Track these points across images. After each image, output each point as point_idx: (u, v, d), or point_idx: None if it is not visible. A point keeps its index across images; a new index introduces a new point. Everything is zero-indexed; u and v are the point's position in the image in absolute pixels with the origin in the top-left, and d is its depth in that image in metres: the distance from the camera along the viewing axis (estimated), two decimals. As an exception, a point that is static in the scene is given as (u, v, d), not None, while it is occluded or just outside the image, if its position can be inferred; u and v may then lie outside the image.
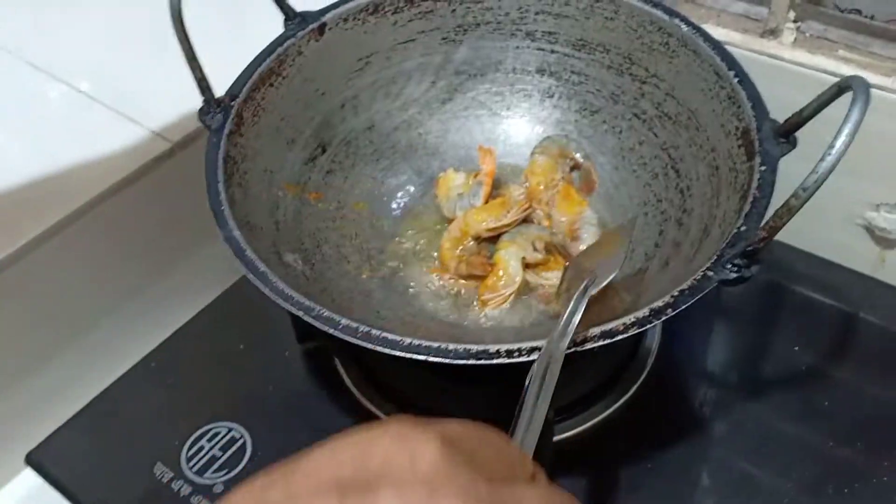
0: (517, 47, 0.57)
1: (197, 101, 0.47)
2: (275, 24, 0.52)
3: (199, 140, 0.57)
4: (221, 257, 0.42)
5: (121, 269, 0.59)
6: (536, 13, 0.56)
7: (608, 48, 0.54)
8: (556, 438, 0.49)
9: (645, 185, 0.53)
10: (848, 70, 0.55)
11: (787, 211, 0.36)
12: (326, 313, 0.38)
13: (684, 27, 0.50)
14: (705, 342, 0.55)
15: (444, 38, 0.57)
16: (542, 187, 0.54)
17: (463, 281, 0.51)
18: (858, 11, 0.58)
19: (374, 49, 0.56)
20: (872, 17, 0.57)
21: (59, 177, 0.56)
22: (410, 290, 0.51)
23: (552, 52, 0.56)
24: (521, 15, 0.56)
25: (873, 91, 0.51)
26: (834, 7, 0.59)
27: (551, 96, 0.57)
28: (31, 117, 0.62)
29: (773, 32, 0.58)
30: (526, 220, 0.53)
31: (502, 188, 0.55)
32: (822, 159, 0.34)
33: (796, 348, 0.54)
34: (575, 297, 0.39)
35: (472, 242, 0.52)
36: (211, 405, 0.50)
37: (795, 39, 0.58)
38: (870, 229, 0.59)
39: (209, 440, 0.48)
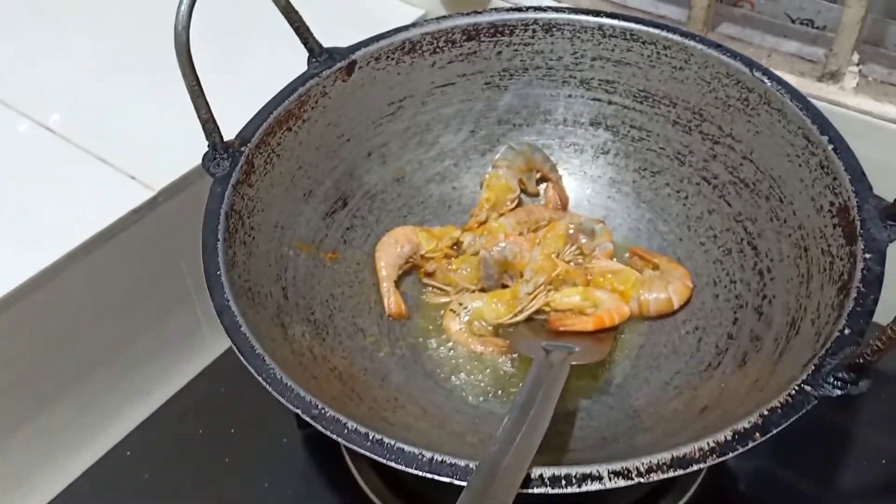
0: (570, 96, 0.51)
1: (185, 141, 0.42)
2: (296, 60, 0.46)
3: (188, 189, 0.52)
4: (212, 318, 0.36)
5: (96, 332, 0.51)
6: (593, 59, 0.49)
7: (675, 101, 0.47)
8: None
9: (715, 261, 0.45)
10: None
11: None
12: (330, 413, 0.31)
13: (768, 82, 0.43)
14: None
15: (487, 83, 0.51)
16: (488, 205, 0.49)
17: (487, 350, 0.45)
18: None
19: (409, 92, 0.50)
20: None
21: (27, 229, 0.49)
22: (435, 370, 0.44)
23: (610, 102, 0.50)
24: (575, 60, 0.49)
25: None
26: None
27: (606, 152, 0.51)
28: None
29: (833, 76, 0.52)
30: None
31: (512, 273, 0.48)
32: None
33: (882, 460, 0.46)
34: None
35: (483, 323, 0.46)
36: (193, 496, 0.43)
37: (858, 84, 0.52)
38: None
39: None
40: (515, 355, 0.44)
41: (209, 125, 0.41)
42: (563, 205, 0.51)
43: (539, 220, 0.50)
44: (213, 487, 0.44)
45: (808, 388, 0.31)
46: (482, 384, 0.43)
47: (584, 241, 0.48)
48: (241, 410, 0.47)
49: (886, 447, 0.48)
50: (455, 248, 0.49)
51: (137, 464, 0.46)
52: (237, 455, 0.45)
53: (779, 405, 0.31)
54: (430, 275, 0.48)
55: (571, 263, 0.47)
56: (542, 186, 0.52)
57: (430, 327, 0.46)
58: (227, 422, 0.47)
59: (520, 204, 0.51)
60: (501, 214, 0.50)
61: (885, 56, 0.54)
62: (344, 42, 0.48)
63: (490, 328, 0.46)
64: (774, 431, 0.30)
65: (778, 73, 0.52)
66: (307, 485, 0.43)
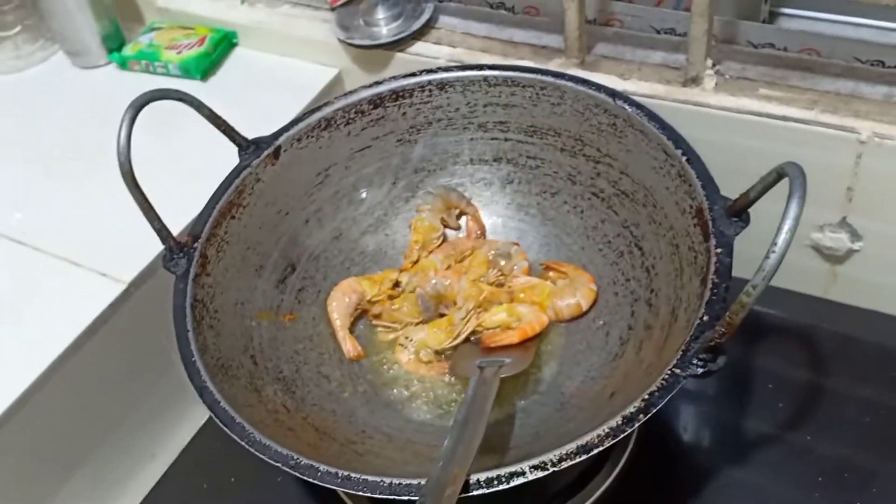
0: (472, 139, 0.58)
1: (142, 232, 0.47)
2: (226, 153, 0.53)
3: (152, 279, 0.57)
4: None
5: (97, 412, 0.57)
6: (485, 105, 0.56)
7: (559, 132, 0.55)
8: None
9: (612, 263, 0.53)
10: (771, 108, 0.56)
11: (741, 307, 0.36)
12: (304, 462, 0.39)
13: (628, 108, 0.51)
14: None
15: (399, 140, 0.58)
16: (418, 246, 0.56)
17: (435, 374, 0.52)
18: (772, 45, 0.59)
19: (332, 161, 0.57)
20: (786, 49, 0.58)
21: (11, 339, 0.54)
22: (393, 400, 0.51)
23: (506, 139, 0.57)
24: (470, 109, 0.57)
25: (799, 126, 0.54)
26: (748, 44, 0.60)
27: (511, 182, 0.58)
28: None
29: (694, 80, 0.59)
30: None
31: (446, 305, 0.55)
32: (766, 257, 0.35)
33: (770, 386, 0.56)
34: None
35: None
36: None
37: (717, 84, 0.59)
38: (818, 249, 0.60)
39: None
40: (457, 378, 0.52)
41: (163, 233, 0.47)
42: (482, 233, 0.58)
43: (463, 251, 0.57)
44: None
45: (678, 371, 0.39)
46: (435, 405, 0.51)
47: (503, 263, 0.56)
48: (237, 459, 0.54)
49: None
50: (396, 287, 0.56)
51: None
52: (240, 500, 0.52)
53: (656, 389, 0.39)
54: (377, 316, 0.55)
55: (495, 285, 0.55)
56: (462, 220, 0.59)
57: (385, 363, 0.53)
58: (226, 472, 0.54)
59: (445, 239, 0.58)
60: (431, 252, 0.57)
61: (738, 52, 0.61)
62: (275, 118, 0.54)
63: (434, 354, 0.53)
64: (654, 411, 0.38)
65: (647, 83, 0.61)
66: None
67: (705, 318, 0.41)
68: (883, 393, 0.55)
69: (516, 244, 0.57)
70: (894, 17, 0.58)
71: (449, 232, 0.59)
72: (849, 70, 0.58)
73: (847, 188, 0.56)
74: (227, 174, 0.52)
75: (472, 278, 0.54)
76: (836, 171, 0.56)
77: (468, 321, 0.52)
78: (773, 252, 0.35)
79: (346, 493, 0.53)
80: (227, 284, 0.50)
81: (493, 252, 0.56)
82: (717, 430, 0.57)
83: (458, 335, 0.52)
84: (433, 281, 0.54)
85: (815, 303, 0.61)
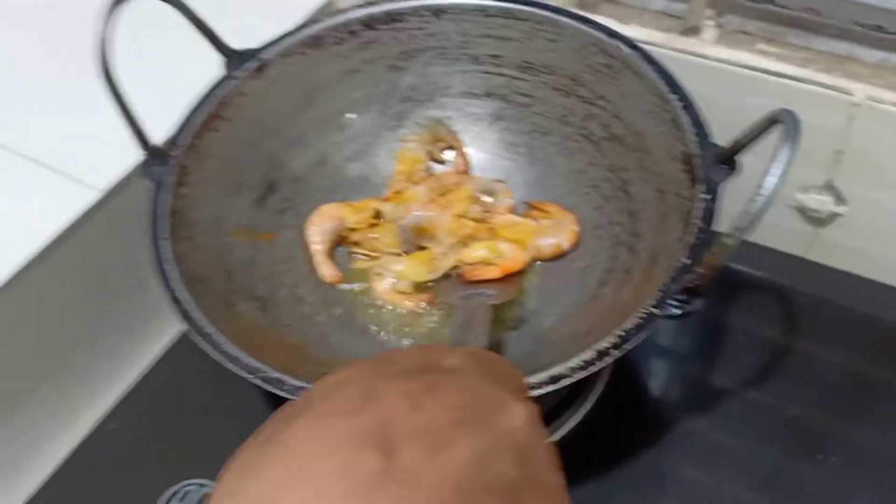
0: (464, 71, 0.57)
1: (120, 141, 0.46)
2: (209, 64, 0.51)
3: (127, 189, 0.55)
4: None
5: (69, 322, 0.56)
6: (480, 36, 0.55)
7: (553, 70, 0.54)
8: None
9: (597, 207, 0.53)
10: (767, 63, 0.56)
11: (722, 249, 0.36)
12: (274, 374, 0.38)
13: (625, 49, 0.50)
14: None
15: (389, 66, 0.56)
16: (402, 177, 0.56)
17: (414, 306, 0.52)
18: (772, 2, 0.58)
19: (320, 82, 0.55)
20: (786, 7, 0.58)
21: None
22: (369, 327, 0.51)
23: (499, 74, 0.56)
24: (464, 40, 0.55)
25: (793, 83, 0.54)
26: (750, -1, 0.60)
27: (501, 119, 0.57)
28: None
29: (693, 30, 0.59)
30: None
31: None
32: (753, 199, 0.35)
33: (742, 340, 0.57)
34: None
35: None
36: (181, 462, 0.49)
37: (716, 35, 0.59)
38: (802, 210, 0.60)
39: (180, 500, 0.48)
40: (437, 309, 0.51)
41: (141, 136, 0.46)
42: (467, 169, 0.58)
43: (448, 185, 0.56)
44: (195, 443, 0.51)
45: (654, 310, 0.39)
46: (409, 335, 0.51)
47: (487, 200, 0.55)
48: (212, 374, 0.54)
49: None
50: (377, 217, 0.56)
51: (125, 435, 0.53)
52: (213, 414, 0.52)
53: (632, 326, 0.39)
54: (356, 244, 0.55)
55: (477, 221, 0.54)
56: (448, 154, 0.58)
57: (361, 291, 0.53)
58: (201, 387, 0.53)
59: (430, 172, 0.57)
60: (416, 183, 0.56)
61: (739, 6, 0.60)
62: (263, 33, 0.53)
63: (413, 286, 0.52)
64: (628, 347, 0.38)
65: (646, 29, 0.59)
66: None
67: (686, 261, 0.40)
68: (851, 355, 0.56)
69: (502, 181, 0.56)
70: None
71: (434, 166, 0.58)
72: (846, 32, 0.58)
73: (836, 151, 0.56)
74: (210, 86, 0.51)
75: (454, 213, 0.54)
76: (826, 131, 0.55)
77: (448, 256, 0.52)
78: (760, 195, 0.34)
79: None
80: (206, 198, 0.49)
81: (477, 188, 0.55)
82: (685, 381, 0.57)
83: (438, 269, 0.52)
84: (415, 213, 0.53)
85: (794, 262, 0.62)
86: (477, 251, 0.52)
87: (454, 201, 0.55)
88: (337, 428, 0.23)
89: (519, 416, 0.26)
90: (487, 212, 0.55)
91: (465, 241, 0.53)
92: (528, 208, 0.55)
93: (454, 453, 0.23)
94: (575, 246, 0.52)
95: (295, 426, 0.24)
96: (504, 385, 0.27)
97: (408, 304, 0.52)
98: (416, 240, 0.54)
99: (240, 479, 0.23)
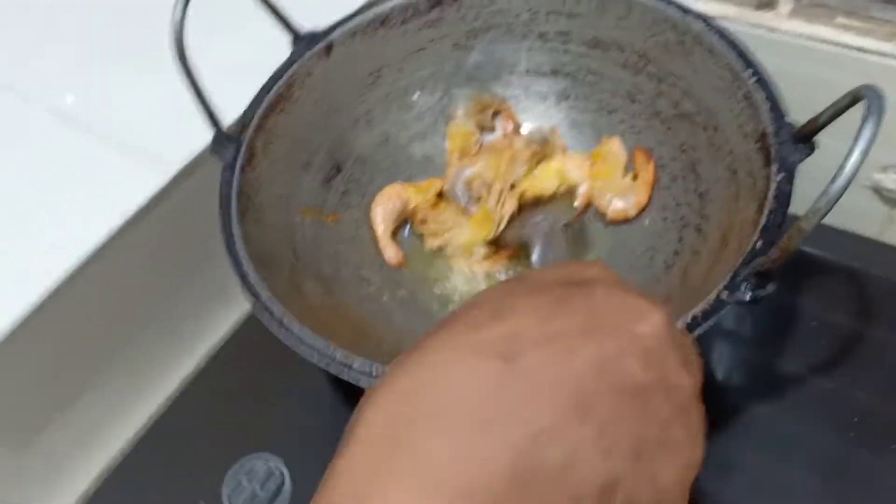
0: (530, 49, 0.56)
1: (191, 120, 0.47)
2: (277, 45, 0.52)
3: (203, 167, 0.56)
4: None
5: (130, 310, 0.57)
6: (547, 13, 0.54)
7: (623, 47, 0.53)
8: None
9: (664, 188, 0.51)
10: (847, 38, 0.53)
11: (798, 232, 0.35)
12: (340, 355, 0.39)
13: (698, 25, 0.48)
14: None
15: (455, 45, 0.56)
16: (455, 156, 0.55)
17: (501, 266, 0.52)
18: None
19: (385, 62, 0.55)
20: None
21: (61, 217, 0.53)
22: (433, 307, 0.52)
23: (566, 52, 0.55)
24: (531, 16, 0.55)
25: (875, 58, 0.51)
26: (829, -30, 0.57)
27: (567, 97, 0.56)
28: (7, 147, 0.57)
29: (769, 3, 0.56)
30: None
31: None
32: (833, 180, 0.33)
33: (814, 324, 0.55)
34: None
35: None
36: (246, 438, 0.51)
37: (792, 9, 0.56)
38: (878, 190, 0.58)
39: (246, 474, 0.49)
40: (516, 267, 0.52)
41: (212, 118, 0.47)
42: (517, 128, 0.57)
43: (502, 150, 0.55)
44: (262, 420, 0.53)
45: (725, 294, 0.38)
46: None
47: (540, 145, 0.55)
48: (280, 354, 0.55)
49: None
50: (440, 197, 0.56)
51: (196, 409, 0.55)
52: (280, 392, 0.54)
53: (700, 312, 0.38)
54: (423, 222, 0.55)
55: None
56: (497, 120, 0.57)
57: (427, 271, 0.53)
58: (268, 366, 0.55)
59: (482, 146, 0.56)
60: (472, 160, 0.55)
61: (818, -22, 0.58)
62: (325, 17, 0.53)
63: (488, 247, 0.52)
64: (697, 332, 0.37)
65: (719, 4, 0.57)
66: (344, 412, 0.51)
67: (759, 244, 0.39)
68: (928, 342, 0.53)
69: (553, 129, 0.55)
70: None
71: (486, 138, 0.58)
72: (937, 4, 0.55)
73: (919, 128, 0.53)
74: (277, 67, 0.52)
75: (490, 163, 0.54)
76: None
77: (503, 203, 0.52)
78: (841, 175, 0.33)
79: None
80: (274, 178, 0.50)
81: (530, 140, 0.55)
82: (752, 366, 0.55)
83: (500, 220, 0.52)
84: (459, 174, 0.54)
85: (868, 244, 0.59)
86: (548, 181, 0.53)
87: (509, 159, 0.54)
88: (464, 342, 0.25)
89: (651, 321, 0.26)
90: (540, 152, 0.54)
91: (509, 178, 0.53)
92: (636, 153, 0.54)
93: (579, 357, 0.24)
94: (639, 214, 0.52)
95: (429, 341, 0.26)
96: (638, 292, 0.28)
97: (496, 266, 0.52)
98: (472, 194, 0.53)
99: (393, 376, 0.25)
